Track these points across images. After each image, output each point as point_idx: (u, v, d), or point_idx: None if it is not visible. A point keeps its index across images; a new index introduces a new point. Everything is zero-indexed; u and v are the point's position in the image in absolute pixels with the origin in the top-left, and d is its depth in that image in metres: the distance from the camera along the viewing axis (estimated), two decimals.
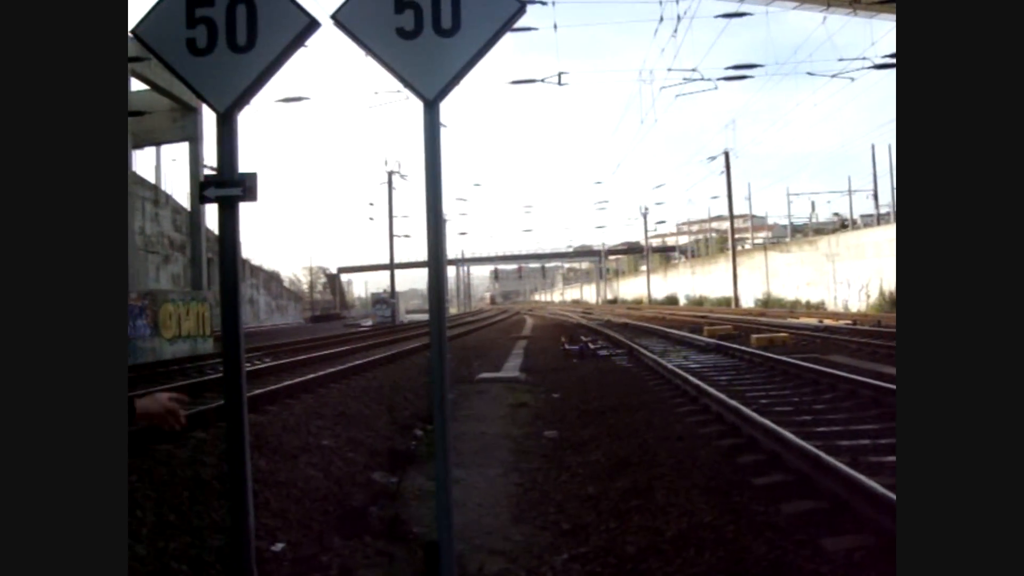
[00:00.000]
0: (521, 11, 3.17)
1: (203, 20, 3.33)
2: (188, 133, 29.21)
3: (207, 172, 29.64)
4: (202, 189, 3.32)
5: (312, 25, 3.28)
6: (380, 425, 8.59)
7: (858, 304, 34.52)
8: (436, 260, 3.28)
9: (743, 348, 15.41)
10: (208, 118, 26.44)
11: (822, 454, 5.17)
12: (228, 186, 3.25)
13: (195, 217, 29.67)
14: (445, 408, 3.24)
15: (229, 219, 3.34)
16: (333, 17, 3.26)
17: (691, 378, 10.15)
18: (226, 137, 3.33)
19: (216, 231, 3.43)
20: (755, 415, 6.91)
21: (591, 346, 18.99)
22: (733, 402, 7.76)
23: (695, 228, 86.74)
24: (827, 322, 24.46)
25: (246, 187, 3.25)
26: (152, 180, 37.56)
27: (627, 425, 7.93)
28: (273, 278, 64.65)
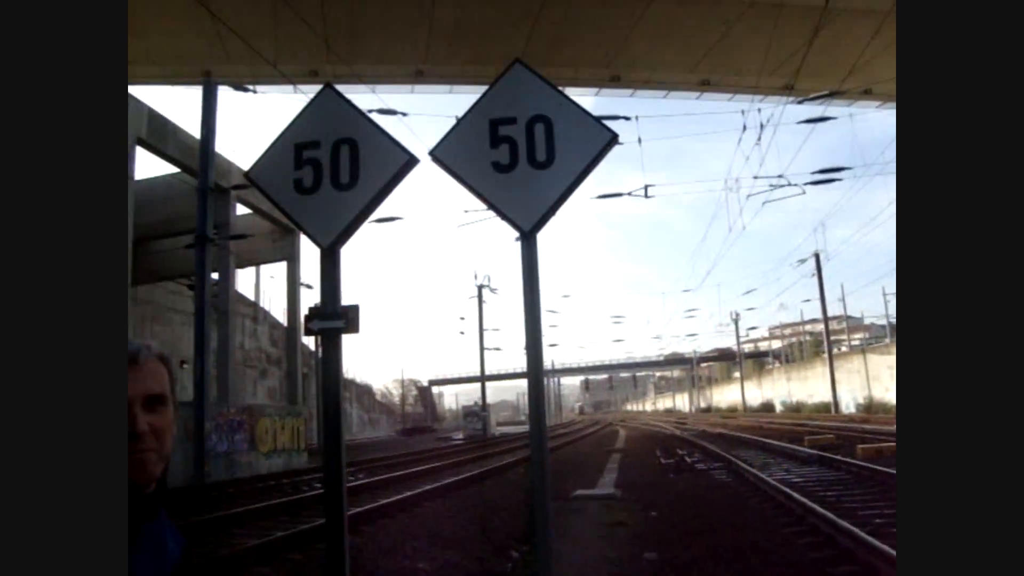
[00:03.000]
0: (614, 141, 3.23)
1: (309, 161, 3.51)
2: (286, 253, 30.50)
3: (304, 288, 30.74)
4: (307, 321, 3.41)
5: (411, 162, 3.42)
6: (475, 547, 8.42)
7: None
8: (536, 384, 3.26)
9: (848, 460, 14.66)
10: (306, 239, 27.56)
11: None
12: (331, 319, 3.34)
13: (291, 333, 30.59)
14: (548, 534, 3.15)
15: (332, 350, 3.42)
16: (431, 154, 3.39)
17: (795, 494, 9.69)
18: (329, 271, 3.44)
19: (311, 346, 3.52)
20: (871, 539, 6.50)
21: (687, 459, 18.43)
22: (844, 523, 7.33)
23: (788, 332, 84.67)
24: None
25: (348, 319, 3.33)
26: (251, 298, 39.15)
27: (731, 546, 7.56)
28: (366, 391, 65.65)
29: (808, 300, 65.23)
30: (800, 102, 25.73)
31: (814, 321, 66.34)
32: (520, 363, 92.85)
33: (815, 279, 50.11)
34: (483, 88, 3.47)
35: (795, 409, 55.35)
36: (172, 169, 23.75)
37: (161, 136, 21.48)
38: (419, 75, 25.17)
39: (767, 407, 64.34)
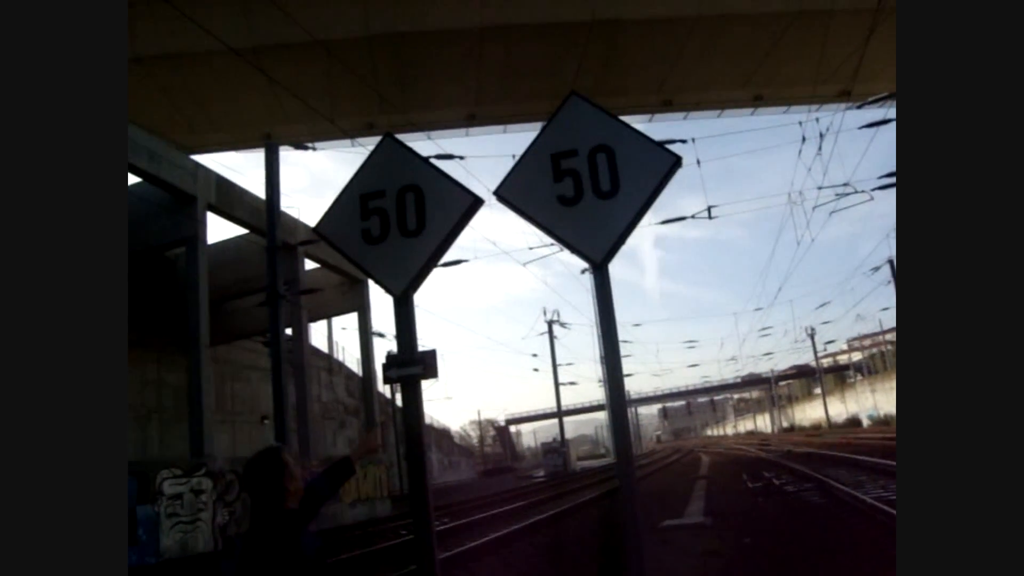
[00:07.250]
0: (678, 164, 3.18)
1: (376, 211, 3.54)
2: (356, 304, 30.97)
3: (376, 337, 31.10)
4: (385, 369, 3.42)
5: (476, 203, 3.42)
6: None
7: None
8: (619, 415, 3.20)
9: None
10: (375, 289, 28.10)
11: None
12: (409, 365, 3.35)
13: (367, 383, 30.91)
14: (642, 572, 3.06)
15: (412, 396, 3.41)
16: (496, 193, 3.39)
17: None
18: (403, 318, 3.45)
19: (387, 394, 3.52)
20: None
21: (775, 482, 17.93)
22: None
23: (868, 343, 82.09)
24: None
25: (426, 365, 3.33)
26: (325, 350, 39.73)
27: (837, 571, 7.28)
28: (444, 435, 65.70)
29: (886, 308, 62.71)
30: (859, 107, 25.23)
31: (894, 330, 64.26)
32: (595, 395, 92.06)
33: (892, 286, 48.60)
34: (537, 126, 3.49)
35: (884, 422, 53.49)
36: (242, 231, 24.42)
37: (229, 200, 22.13)
38: (471, 119, 25.45)
39: (853, 422, 62.35)
